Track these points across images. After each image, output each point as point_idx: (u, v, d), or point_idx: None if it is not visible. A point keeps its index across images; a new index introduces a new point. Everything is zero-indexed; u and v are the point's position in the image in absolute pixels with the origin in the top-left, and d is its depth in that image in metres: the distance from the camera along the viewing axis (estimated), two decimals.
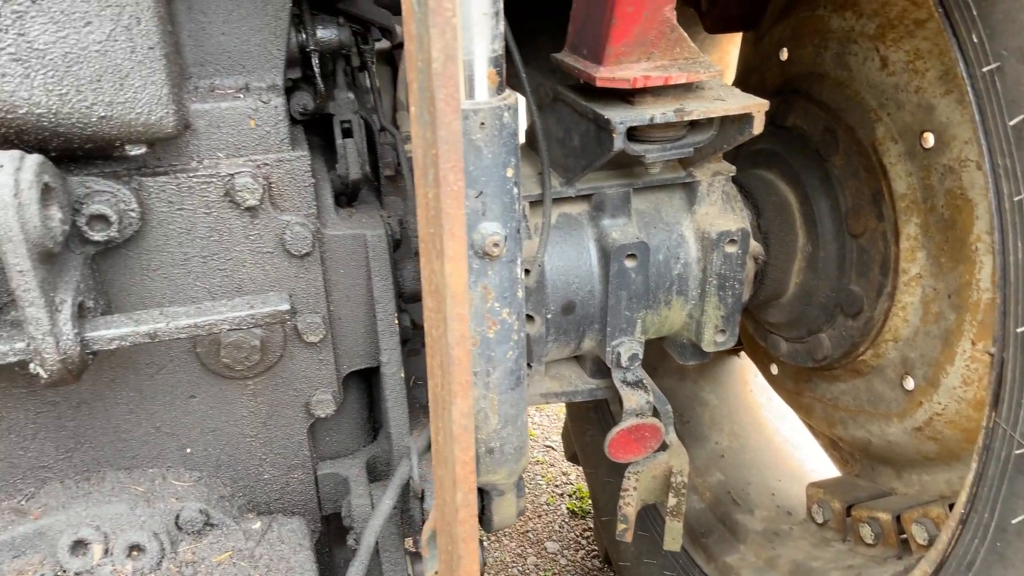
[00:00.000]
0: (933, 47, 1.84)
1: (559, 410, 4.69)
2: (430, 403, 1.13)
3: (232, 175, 1.45)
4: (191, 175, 1.44)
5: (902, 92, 1.91)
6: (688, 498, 2.73)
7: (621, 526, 2.09)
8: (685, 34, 1.67)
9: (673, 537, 2.13)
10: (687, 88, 1.77)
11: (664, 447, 2.01)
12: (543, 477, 4.31)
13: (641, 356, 1.95)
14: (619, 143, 1.66)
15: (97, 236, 1.39)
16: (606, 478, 3.13)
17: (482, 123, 1.30)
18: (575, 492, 4.19)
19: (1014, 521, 1.49)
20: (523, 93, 1.73)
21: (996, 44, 1.38)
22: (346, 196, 1.78)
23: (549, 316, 1.87)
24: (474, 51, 1.26)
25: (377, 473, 1.85)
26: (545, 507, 4.11)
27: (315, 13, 1.64)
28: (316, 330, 1.60)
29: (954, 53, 1.47)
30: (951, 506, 1.88)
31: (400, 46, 2.39)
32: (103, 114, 1.31)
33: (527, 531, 3.95)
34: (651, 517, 2.81)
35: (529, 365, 1.93)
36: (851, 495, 2.29)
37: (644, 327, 1.94)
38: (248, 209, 1.48)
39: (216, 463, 1.66)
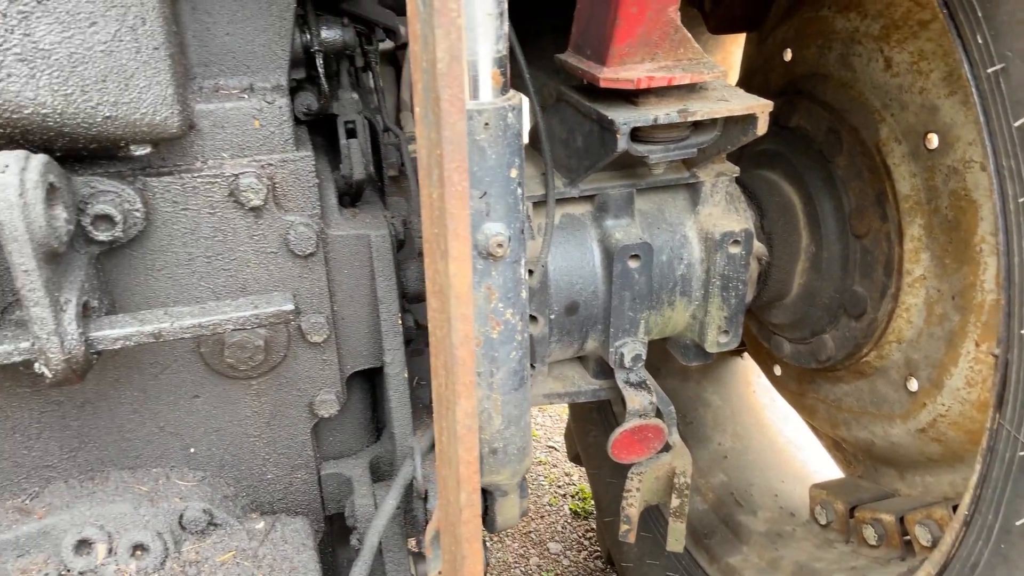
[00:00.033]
0: (937, 48, 1.84)
1: (562, 411, 4.69)
2: (434, 403, 1.13)
3: (236, 175, 1.46)
4: (195, 175, 1.45)
5: (906, 93, 1.91)
6: (691, 499, 2.73)
7: (624, 527, 2.09)
8: (689, 35, 1.67)
9: (676, 538, 2.13)
10: (691, 89, 1.77)
11: (667, 448, 2.01)
12: (546, 478, 4.31)
13: (644, 357, 1.95)
14: (623, 144, 1.66)
15: (102, 236, 1.40)
16: (609, 479, 3.13)
17: (486, 124, 1.30)
18: (578, 493, 4.19)
19: (1018, 523, 1.49)
20: (526, 94, 1.73)
21: (1001, 45, 1.38)
22: (350, 196, 1.78)
23: (552, 316, 1.87)
24: (478, 52, 1.26)
25: (380, 473, 1.85)
26: (548, 508, 4.11)
27: (319, 14, 1.64)
28: (320, 330, 1.61)
29: (959, 54, 1.47)
30: (955, 508, 1.87)
31: (404, 46, 2.40)
32: (108, 114, 1.31)
33: (529, 532, 3.95)
34: (654, 518, 2.81)
35: (532, 366, 1.93)
36: (854, 496, 2.29)
37: (647, 328, 1.94)
38: (252, 209, 1.48)
39: (220, 463, 1.67)
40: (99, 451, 1.58)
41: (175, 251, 1.48)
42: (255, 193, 1.46)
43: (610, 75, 1.65)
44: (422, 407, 1.87)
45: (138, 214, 1.42)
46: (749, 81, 2.53)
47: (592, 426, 3.24)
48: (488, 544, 3.86)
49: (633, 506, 2.04)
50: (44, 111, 1.26)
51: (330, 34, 1.63)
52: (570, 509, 4.10)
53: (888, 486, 2.28)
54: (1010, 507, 1.51)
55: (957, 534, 1.64)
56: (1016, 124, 1.39)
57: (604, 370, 2.04)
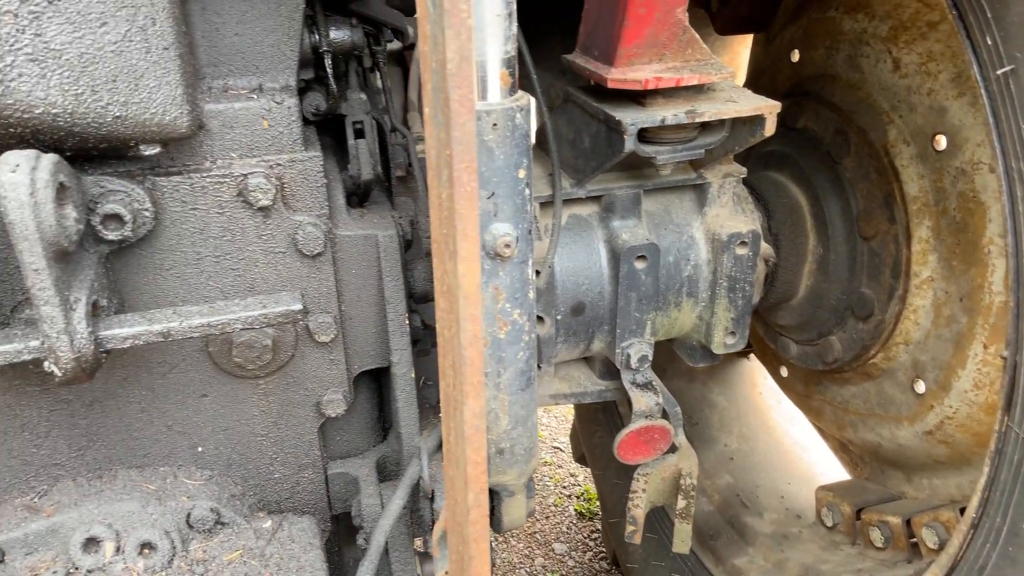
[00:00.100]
0: (946, 49, 1.84)
1: (567, 411, 4.69)
2: (442, 403, 1.13)
3: (245, 175, 1.46)
4: (204, 175, 1.45)
5: (914, 94, 1.91)
6: (697, 500, 2.72)
7: (630, 528, 2.08)
8: (697, 35, 1.66)
9: (682, 539, 2.13)
10: (699, 90, 1.76)
11: (673, 449, 2.01)
12: (551, 478, 4.31)
13: (651, 358, 1.95)
14: (630, 144, 1.66)
15: (111, 235, 1.40)
16: (614, 480, 3.13)
17: (495, 124, 1.31)
18: (583, 494, 4.19)
19: None
20: (534, 94, 1.73)
21: (1011, 47, 1.38)
22: (357, 196, 1.78)
23: (559, 317, 1.87)
24: (487, 52, 1.27)
25: (387, 473, 1.86)
26: (553, 508, 4.11)
27: (328, 14, 1.65)
28: (327, 330, 1.61)
29: (968, 56, 1.46)
30: (962, 510, 1.87)
31: (411, 47, 2.40)
32: (118, 114, 1.31)
33: (535, 532, 3.95)
34: (660, 519, 2.81)
35: (538, 366, 1.93)
36: (861, 498, 2.29)
37: (654, 329, 1.94)
38: (261, 209, 1.49)
39: (227, 462, 1.67)
40: (107, 449, 1.59)
41: (184, 250, 1.49)
42: (264, 193, 1.47)
43: (618, 76, 1.65)
44: (428, 407, 1.87)
45: (147, 213, 1.42)
46: (756, 82, 2.53)
47: (598, 427, 3.24)
48: (493, 545, 3.86)
49: (639, 507, 2.04)
50: (55, 111, 1.27)
51: (339, 35, 1.64)
52: (575, 510, 4.09)
53: (895, 488, 2.27)
54: (1018, 510, 1.50)
55: (965, 537, 1.63)
56: None
57: (610, 371, 2.04)
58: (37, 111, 1.26)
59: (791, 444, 2.94)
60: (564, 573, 3.71)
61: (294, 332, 1.60)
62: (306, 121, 1.64)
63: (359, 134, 1.75)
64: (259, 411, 1.65)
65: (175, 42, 1.32)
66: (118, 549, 1.48)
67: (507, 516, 1.73)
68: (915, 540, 2.07)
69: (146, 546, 1.48)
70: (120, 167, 1.42)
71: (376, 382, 1.86)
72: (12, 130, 1.27)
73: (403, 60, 2.46)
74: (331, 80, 1.64)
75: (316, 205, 1.54)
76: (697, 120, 1.69)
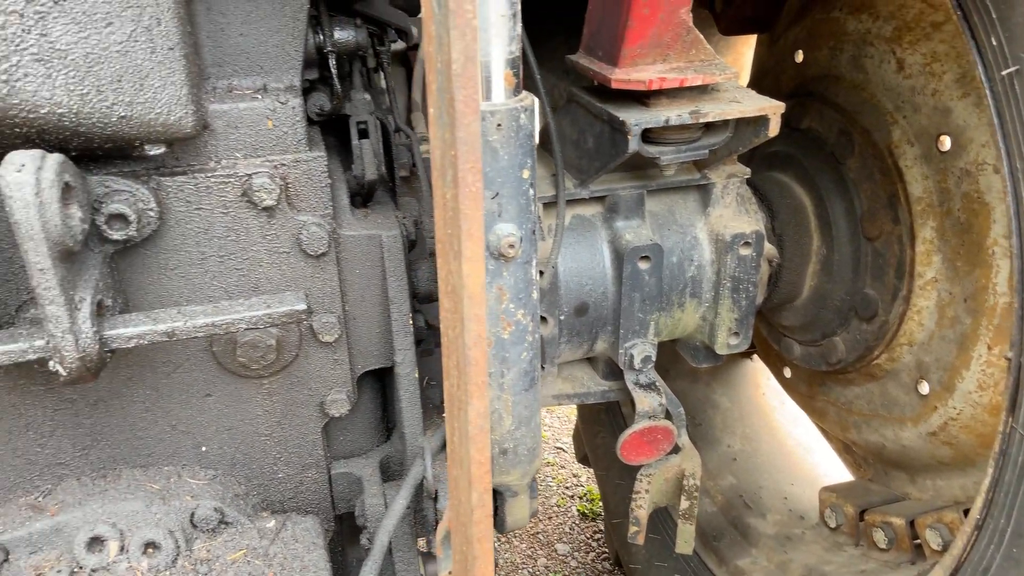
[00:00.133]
0: (950, 50, 1.83)
1: (570, 412, 4.68)
2: (446, 403, 1.13)
3: (250, 175, 1.46)
4: (209, 175, 1.45)
5: (919, 95, 1.90)
6: (700, 501, 2.72)
7: (633, 528, 2.08)
8: (701, 36, 1.66)
9: (685, 540, 2.13)
10: (702, 90, 1.76)
11: (676, 450, 2.01)
12: (554, 479, 4.31)
13: (654, 358, 1.95)
14: (634, 145, 1.66)
15: (116, 235, 1.41)
16: (617, 480, 3.13)
17: (499, 124, 1.31)
18: (586, 494, 4.19)
19: None
20: (538, 95, 1.73)
21: (1016, 47, 1.38)
22: (361, 197, 1.78)
23: (562, 317, 1.87)
24: (491, 53, 1.27)
25: (390, 473, 1.86)
26: (555, 509, 4.11)
27: (332, 14, 1.65)
28: (331, 330, 1.61)
29: (972, 56, 1.46)
30: (966, 512, 1.87)
31: (415, 47, 2.40)
32: (123, 114, 1.32)
33: (537, 533, 3.95)
34: (663, 520, 2.80)
35: (542, 367, 1.93)
36: (864, 499, 2.28)
37: (657, 329, 1.94)
38: (265, 209, 1.49)
39: (231, 461, 1.67)
40: (111, 449, 1.59)
41: (188, 250, 1.49)
42: (268, 193, 1.47)
43: (622, 76, 1.65)
44: (432, 407, 1.87)
45: (152, 213, 1.43)
46: (760, 83, 2.53)
47: (601, 427, 3.24)
48: (496, 545, 3.86)
49: (642, 508, 2.04)
50: (60, 111, 1.27)
51: (343, 35, 1.64)
52: (578, 510, 4.09)
53: (898, 489, 2.27)
54: (1022, 511, 1.50)
55: (968, 538, 1.63)
56: None
57: (613, 371, 2.04)
58: (43, 111, 1.27)
59: (794, 445, 2.94)
60: (567, 573, 3.71)
61: (298, 332, 1.60)
62: (310, 121, 1.64)
63: (363, 134, 1.76)
64: (263, 411, 1.65)
65: (180, 42, 1.32)
66: (122, 548, 1.48)
67: (510, 516, 1.73)
68: (919, 541, 2.06)
69: (150, 545, 1.48)
70: (125, 167, 1.43)
71: (380, 382, 1.86)
72: (18, 130, 1.28)
73: (407, 60, 2.47)
74: (335, 80, 1.64)
75: (320, 205, 1.54)
76: (701, 121, 1.68)
